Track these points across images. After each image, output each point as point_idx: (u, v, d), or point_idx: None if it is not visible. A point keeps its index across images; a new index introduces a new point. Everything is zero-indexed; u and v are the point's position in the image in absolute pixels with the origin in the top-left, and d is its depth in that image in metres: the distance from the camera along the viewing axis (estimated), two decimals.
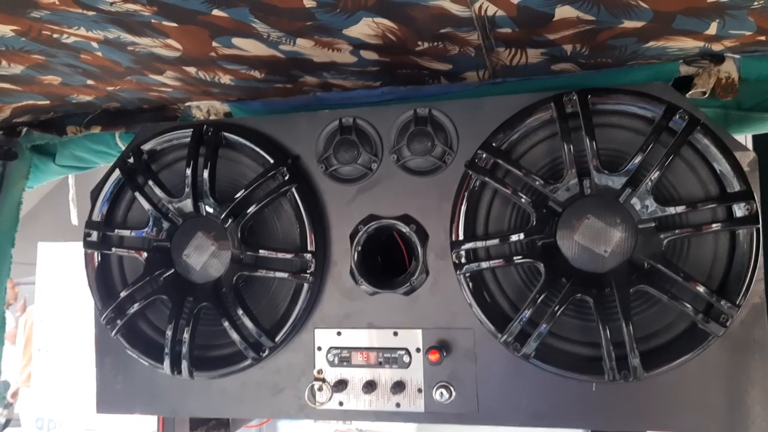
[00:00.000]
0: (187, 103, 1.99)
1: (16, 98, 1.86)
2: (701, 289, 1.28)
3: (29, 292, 7.89)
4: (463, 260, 1.40)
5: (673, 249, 1.35)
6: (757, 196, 1.29)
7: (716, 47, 1.48)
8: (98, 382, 1.65)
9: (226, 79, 1.75)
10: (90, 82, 1.75)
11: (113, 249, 1.60)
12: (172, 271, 1.56)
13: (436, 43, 1.45)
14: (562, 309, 1.33)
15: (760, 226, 1.27)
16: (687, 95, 1.62)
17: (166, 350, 1.50)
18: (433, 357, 1.43)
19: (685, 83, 1.60)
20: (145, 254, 1.57)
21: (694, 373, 1.33)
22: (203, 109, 1.99)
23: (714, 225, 1.29)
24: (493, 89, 1.72)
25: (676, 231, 1.31)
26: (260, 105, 1.94)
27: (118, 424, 6.45)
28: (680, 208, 1.30)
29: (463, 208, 1.41)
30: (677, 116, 1.29)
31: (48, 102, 1.92)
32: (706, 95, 1.61)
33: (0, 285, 2.07)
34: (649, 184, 1.30)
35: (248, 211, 1.49)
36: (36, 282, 7.17)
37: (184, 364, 1.50)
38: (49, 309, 7.05)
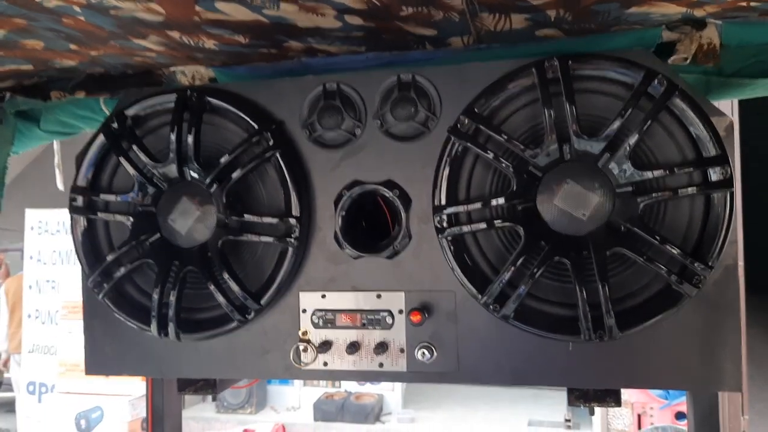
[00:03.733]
0: (171, 68, 1.98)
1: None
2: (676, 251, 1.31)
3: (17, 258, 7.90)
4: (445, 224, 1.42)
5: (649, 212, 1.38)
6: (732, 160, 1.32)
7: (698, 13, 1.49)
8: (87, 344, 1.68)
9: (210, 44, 1.74)
10: (73, 46, 1.74)
11: (99, 214, 1.61)
12: (158, 235, 1.57)
13: (420, 8, 1.46)
14: (540, 271, 1.36)
15: (735, 189, 1.30)
16: (669, 61, 1.63)
17: (153, 313, 1.53)
18: (415, 318, 1.47)
19: (668, 49, 1.61)
20: (131, 219, 1.58)
21: (668, 333, 1.38)
22: (188, 74, 1.98)
23: (690, 189, 1.32)
24: (477, 55, 1.73)
25: (653, 195, 1.34)
26: (245, 70, 1.94)
27: (109, 386, 6.54)
28: (657, 173, 1.33)
29: (446, 173, 1.43)
30: (656, 82, 1.31)
31: (31, 67, 1.91)
32: (688, 61, 1.63)
33: None
34: (627, 148, 1.33)
35: (233, 176, 1.50)
36: (24, 248, 7.18)
37: (171, 327, 1.53)
38: (37, 275, 7.07)
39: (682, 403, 5.36)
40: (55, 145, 2.45)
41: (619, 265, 1.40)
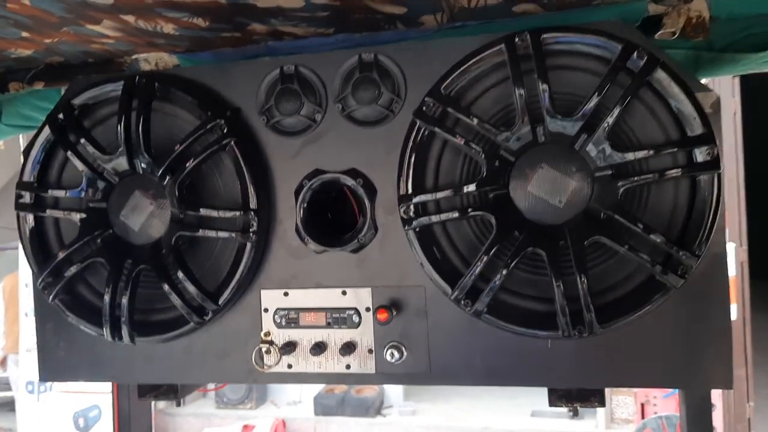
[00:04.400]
0: (134, 56, 1.89)
1: None
2: (659, 239, 1.21)
3: (14, 256, 7.85)
4: (411, 214, 1.32)
5: (631, 198, 1.27)
6: (720, 139, 1.22)
7: None
8: (39, 349, 1.59)
9: (168, 28, 1.64)
10: (25, 34, 1.64)
11: (47, 211, 1.52)
12: (110, 232, 1.48)
13: None
14: (514, 263, 1.26)
15: (722, 171, 1.20)
16: (656, 36, 1.53)
17: (105, 315, 1.43)
18: (382, 317, 1.37)
19: (654, 23, 1.51)
20: (80, 215, 1.49)
21: (654, 327, 1.28)
22: (151, 61, 1.89)
23: (674, 171, 1.22)
24: (452, 34, 1.63)
25: (635, 178, 1.23)
26: (210, 56, 1.84)
27: (107, 385, 6.49)
28: (639, 154, 1.23)
29: (411, 159, 1.33)
30: (635, 55, 1.21)
31: None
32: (676, 36, 1.52)
33: None
34: (606, 128, 1.22)
35: (186, 167, 1.40)
36: (20, 247, 7.11)
37: (125, 330, 1.44)
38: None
39: None
40: (21, 139, 2.36)
41: (600, 255, 1.29)
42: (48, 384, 6.87)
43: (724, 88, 6.54)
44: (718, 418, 5.27)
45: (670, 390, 5.56)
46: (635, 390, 6.05)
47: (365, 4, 1.50)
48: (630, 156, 1.23)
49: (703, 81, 1.58)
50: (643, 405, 5.90)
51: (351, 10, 1.55)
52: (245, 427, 7.28)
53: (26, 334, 6.97)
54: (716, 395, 5.30)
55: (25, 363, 6.95)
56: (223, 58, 1.83)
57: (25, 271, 7.07)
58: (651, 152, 1.22)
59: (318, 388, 7.96)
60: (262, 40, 1.78)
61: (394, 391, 7.94)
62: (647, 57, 1.20)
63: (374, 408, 7.59)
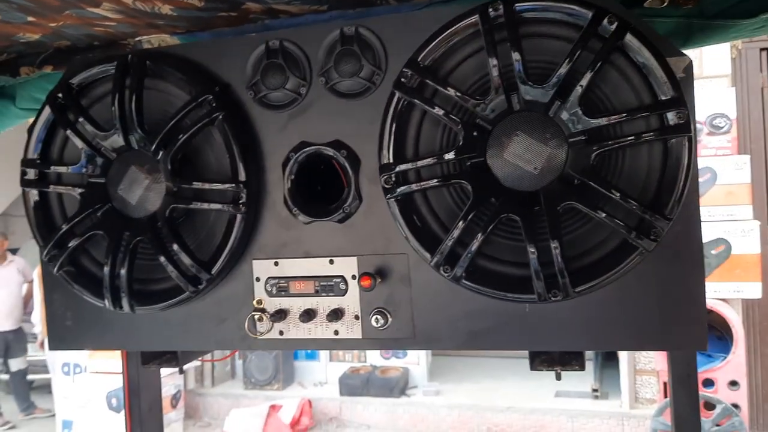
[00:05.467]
0: (137, 38, 1.94)
1: None
2: (633, 203, 1.22)
3: None
4: (392, 183, 1.35)
5: (605, 163, 1.29)
6: (692, 103, 1.22)
7: None
8: (48, 319, 1.67)
9: (166, 8, 1.69)
10: (30, 18, 1.71)
11: (51, 186, 1.59)
12: (109, 205, 1.54)
13: None
14: (490, 228, 1.29)
15: (693, 134, 1.21)
16: (645, 4, 1.53)
17: (106, 286, 1.50)
18: (365, 283, 1.41)
19: None
20: (81, 190, 1.55)
21: (629, 290, 1.30)
22: (154, 43, 1.94)
23: (646, 135, 1.23)
24: (444, 7, 1.64)
25: (608, 143, 1.25)
26: (209, 36, 1.89)
27: None
28: (612, 118, 1.24)
29: (392, 129, 1.36)
30: (606, 21, 1.22)
31: None
32: (666, 3, 1.52)
33: None
34: (578, 93, 1.23)
35: (178, 141, 1.46)
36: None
37: (124, 299, 1.50)
38: None
39: (710, 370, 5.22)
40: None
41: (576, 221, 1.31)
42: (82, 365, 7.09)
43: (752, 63, 6.40)
44: (742, 397, 5.21)
45: None
46: (658, 370, 6.00)
47: None
48: (603, 120, 1.24)
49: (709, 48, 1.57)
50: (665, 384, 5.85)
51: None
52: (272, 407, 7.42)
53: None
54: (741, 374, 5.24)
55: None
56: (221, 37, 1.87)
57: None
58: (623, 116, 1.23)
59: (343, 368, 8.07)
60: (259, 19, 1.82)
61: (418, 372, 8.01)
62: (617, 22, 1.21)
63: (399, 388, 7.67)
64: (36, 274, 7.87)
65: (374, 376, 7.78)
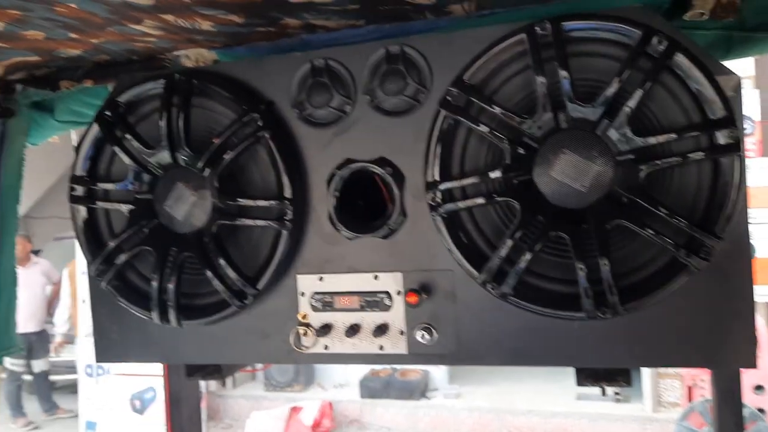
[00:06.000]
0: (175, 53, 1.97)
1: (5, 55, 1.87)
2: (682, 222, 1.23)
3: (71, 245, 8.17)
4: (438, 201, 1.37)
5: (653, 181, 1.29)
6: (741, 122, 1.23)
7: None
8: (95, 332, 1.70)
9: (206, 25, 1.72)
10: (73, 35, 1.74)
11: (98, 203, 1.62)
12: (156, 222, 1.57)
13: None
14: (538, 246, 1.30)
15: (743, 153, 1.21)
16: (685, 17, 1.53)
17: (153, 300, 1.53)
18: (411, 299, 1.42)
19: (683, 4, 1.51)
20: (129, 207, 1.58)
21: (678, 308, 1.30)
22: (192, 57, 1.97)
23: (695, 154, 1.23)
24: (481, 22, 1.65)
25: (656, 162, 1.25)
26: (246, 50, 1.91)
27: (161, 368, 6.72)
28: (660, 138, 1.24)
29: (437, 148, 1.37)
30: (655, 40, 1.22)
31: (38, 58, 1.93)
32: (706, 16, 1.52)
33: (8, 242, 2.13)
34: (627, 112, 1.24)
35: (224, 159, 1.48)
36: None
37: (172, 313, 1.53)
38: None
39: None
40: (73, 135, 2.48)
41: (623, 238, 1.32)
42: (105, 367, 7.17)
43: None
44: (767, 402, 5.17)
45: None
46: (682, 373, 5.98)
47: None
48: (652, 140, 1.24)
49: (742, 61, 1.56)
50: (690, 388, 5.83)
51: (380, 2, 1.59)
52: (293, 408, 7.46)
53: (84, 320, 7.27)
54: (766, 378, 5.21)
55: (84, 347, 7.25)
56: (258, 51, 1.89)
57: (82, 260, 7.36)
58: (673, 136, 1.24)
59: (364, 371, 8.09)
60: (296, 34, 1.84)
61: (438, 374, 8.01)
62: (667, 42, 1.21)
63: (419, 391, 7.68)
64: (65, 275, 7.96)
65: (394, 378, 7.80)
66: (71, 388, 8.01)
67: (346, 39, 1.78)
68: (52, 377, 8.75)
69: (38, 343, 8.32)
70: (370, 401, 7.76)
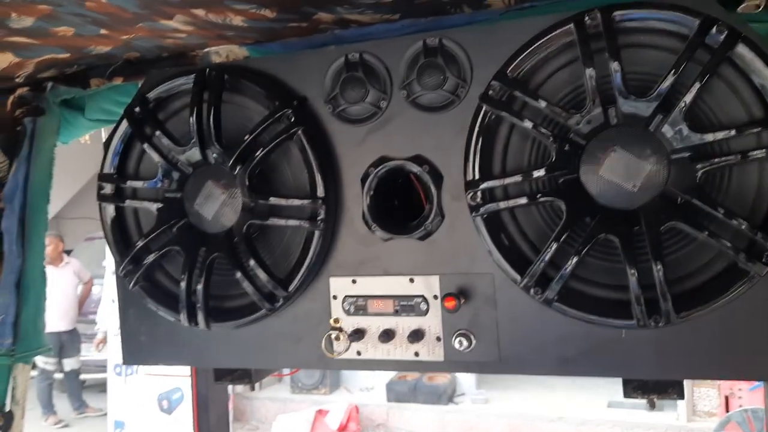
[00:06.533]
0: (205, 49, 1.94)
1: (35, 52, 1.85)
2: (742, 224, 1.15)
3: (101, 245, 8.26)
4: (479, 201, 1.30)
5: (711, 181, 1.21)
6: None
7: None
8: (122, 334, 1.66)
9: (237, 20, 1.68)
10: (103, 31, 1.71)
11: (127, 201, 1.58)
12: (185, 221, 1.53)
13: None
14: (586, 250, 1.22)
15: None
16: (739, 10, 1.44)
17: (182, 302, 1.49)
18: (449, 304, 1.36)
19: None
20: (157, 205, 1.54)
21: (736, 316, 1.21)
22: (222, 54, 1.93)
23: (757, 152, 1.14)
24: (520, 14, 1.59)
25: (714, 160, 1.17)
26: (278, 46, 1.87)
27: (189, 368, 6.74)
28: (719, 135, 1.16)
29: (478, 144, 1.31)
30: (714, 30, 1.14)
31: (68, 55, 1.91)
32: (761, 8, 1.44)
33: (38, 240, 2.11)
34: (683, 108, 1.16)
35: (255, 157, 1.43)
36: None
37: (200, 315, 1.49)
38: None
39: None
40: (103, 133, 2.47)
41: (677, 241, 1.24)
42: (134, 367, 7.21)
43: None
44: None
45: (756, 382, 5.31)
46: (718, 381, 5.80)
47: None
48: (709, 137, 1.17)
49: None
50: (727, 398, 5.66)
51: None
52: (319, 411, 7.43)
53: (114, 320, 7.32)
54: None
55: (113, 346, 7.31)
56: (290, 47, 1.85)
57: (111, 260, 7.41)
58: (732, 132, 1.16)
59: (390, 374, 8.02)
60: (329, 29, 1.79)
61: (466, 379, 7.91)
62: (727, 31, 1.13)
63: (446, 396, 7.59)
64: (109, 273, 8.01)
65: (421, 382, 7.72)
66: (101, 386, 8.08)
67: (379, 34, 1.73)
68: (82, 376, 8.84)
69: (69, 342, 8.41)
70: (397, 405, 7.69)
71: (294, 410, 7.75)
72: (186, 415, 6.85)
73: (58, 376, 8.72)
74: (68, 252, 9.15)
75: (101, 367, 7.88)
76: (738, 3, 1.43)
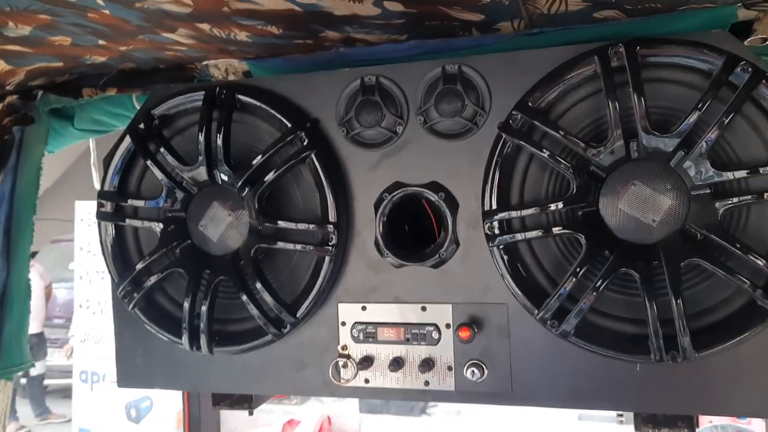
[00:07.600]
0: (204, 62, 1.89)
1: (28, 60, 1.79)
2: (761, 262, 1.15)
3: (70, 248, 8.07)
4: (496, 231, 1.29)
5: (730, 218, 1.21)
6: None
7: None
8: (118, 355, 1.60)
9: (242, 35, 1.64)
10: (101, 42, 1.66)
11: (127, 220, 1.53)
12: (189, 242, 1.48)
13: None
14: (604, 284, 1.22)
15: None
16: (745, 43, 1.46)
17: (184, 325, 1.44)
18: (464, 334, 1.34)
19: (744, 29, 1.44)
20: (160, 225, 1.49)
21: (754, 353, 1.22)
22: (221, 67, 1.89)
23: None
24: (529, 41, 1.58)
25: (735, 199, 1.17)
26: (280, 62, 1.83)
27: None
28: (740, 173, 1.17)
29: (496, 174, 1.30)
30: (739, 68, 1.15)
31: (61, 64, 1.85)
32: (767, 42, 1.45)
33: (23, 253, 2.04)
34: (705, 145, 1.16)
35: (265, 179, 1.40)
36: (75, 239, 7.28)
37: (203, 339, 1.44)
38: (87, 266, 7.16)
39: None
40: (91, 143, 2.40)
41: (695, 276, 1.24)
42: (101, 373, 7.03)
43: None
44: None
45: None
46: None
47: (442, 11, 1.47)
48: (730, 175, 1.17)
49: None
50: None
51: (427, 17, 1.52)
52: (289, 422, 7.33)
53: (81, 326, 7.14)
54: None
55: (79, 353, 7.12)
56: (293, 64, 1.81)
57: (79, 264, 7.24)
58: (753, 172, 1.16)
59: None
60: (333, 47, 1.76)
61: None
62: (752, 70, 1.14)
63: (419, 407, 7.56)
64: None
65: None
66: (63, 392, 7.88)
67: (385, 54, 1.71)
68: (45, 381, 8.62)
69: (37, 345, 8.19)
70: (370, 416, 7.64)
71: (264, 422, 7.64)
72: (155, 426, 6.70)
73: (21, 380, 8.48)
74: (33, 255, 8.91)
75: (65, 372, 7.68)
76: (744, 36, 1.45)
